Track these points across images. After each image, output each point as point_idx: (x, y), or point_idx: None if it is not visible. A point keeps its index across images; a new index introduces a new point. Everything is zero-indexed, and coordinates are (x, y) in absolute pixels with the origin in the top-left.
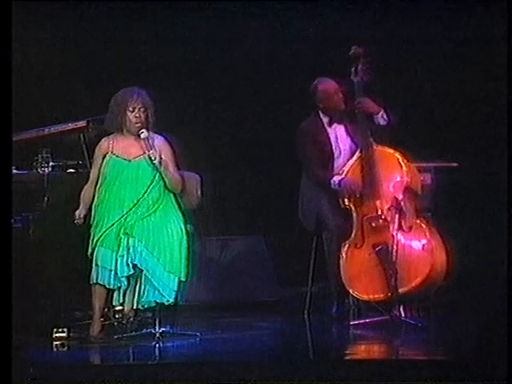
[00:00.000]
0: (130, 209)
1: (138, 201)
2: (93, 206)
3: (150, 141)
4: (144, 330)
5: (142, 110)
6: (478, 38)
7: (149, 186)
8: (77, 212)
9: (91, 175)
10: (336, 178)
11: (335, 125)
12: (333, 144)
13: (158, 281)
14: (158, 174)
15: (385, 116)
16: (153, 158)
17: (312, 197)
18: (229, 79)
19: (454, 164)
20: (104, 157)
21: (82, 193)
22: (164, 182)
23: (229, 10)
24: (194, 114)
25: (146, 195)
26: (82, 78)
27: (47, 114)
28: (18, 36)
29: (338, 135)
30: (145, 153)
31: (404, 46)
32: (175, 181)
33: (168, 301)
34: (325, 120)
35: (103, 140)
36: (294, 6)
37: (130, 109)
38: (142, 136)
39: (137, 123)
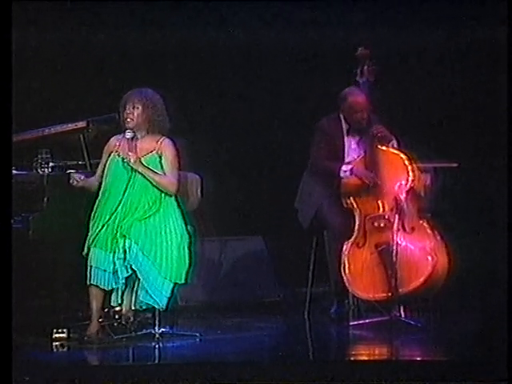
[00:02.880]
0: (116, 208)
1: (121, 199)
2: (94, 205)
3: (134, 142)
4: (144, 331)
5: (135, 107)
6: (478, 40)
7: (127, 185)
8: (76, 174)
9: (97, 171)
10: (347, 167)
11: (352, 134)
12: (346, 151)
13: (151, 285)
14: (135, 175)
15: (395, 145)
16: (126, 159)
17: (313, 192)
18: (230, 80)
19: (454, 164)
20: (109, 155)
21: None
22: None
23: (235, 11)
24: (195, 115)
25: (126, 196)
26: (82, 78)
27: (47, 115)
28: (18, 36)
29: (352, 144)
30: (146, 154)
31: (406, 48)
32: (164, 184)
33: (158, 305)
34: (345, 128)
35: (113, 138)
36: (300, 7)
37: (126, 106)
38: (127, 136)
39: (127, 119)
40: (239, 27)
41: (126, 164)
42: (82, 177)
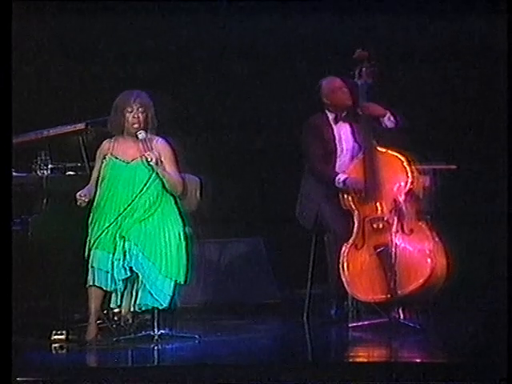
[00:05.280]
0: (124, 210)
1: (131, 202)
2: (92, 208)
3: (148, 142)
4: (143, 333)
5: (140, 110)
6: (478, 42)
7: (142, 189)
8: (79, 192)
9: (92, 177)
10: (341, 176)
11: (340, 123)
12: (337, 141)
13: (152, 285)
14: (154, 176)
15: (392, 118)
16: (149, 159)
17: (312, 194)
18: (229, 82)
19: (453, 166)
20: (104, 158)
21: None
22: (162, 183)
23: (232, 9)
24: (194, 117)
25: (140, 197)
26: (81, 80)
27: (46, 117)
28: (18, 36)
29: (343, 133)
30: (143, 155)
31: (405, 50)
32: (174, 182)
33: (162, 305)
34: (331, 117)
35: (104, 142)
36: (298, 6)
37: (129, 109)
38: (140, 137)
39: (134, 124)
40: (236, 27)
41: (127, 163)
42: (85, 191)
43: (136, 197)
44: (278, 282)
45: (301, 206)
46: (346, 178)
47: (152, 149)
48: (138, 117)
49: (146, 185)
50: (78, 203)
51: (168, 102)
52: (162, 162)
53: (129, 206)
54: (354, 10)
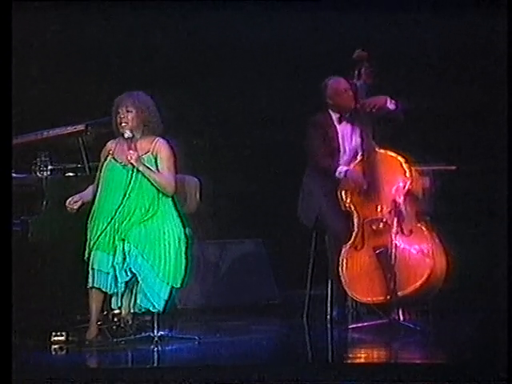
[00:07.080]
0: (116, 212)
1: (120, 204)
2: (92, 209)
3: (133, 142)
4: (142, 334)
5: (129, 110)
6: (478, 42)
7: (128, 189)
8: (70, 198)
9: (96, 177)
10: (342, 168)
11: (344, 123)
12: (340, 141)
13: (149, 288)
14: (142, 178)
15: (392, 101)
16: (129, 158)
17: (314, 192)
18: (229, 82)
19: (453, 167)
20: (105, 159)
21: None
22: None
23: (232, 9)
24: (194, 117)
25: (128, 199)
26: (81, 81)
27: (46, 118)
28: (18, 36)
29: (345, 133)
30: (142, 155)
31: (403, 50)
32: (163, 183)
33: (155, 308)
34: (334, 117)
35: (109, 142)
36: (299, 6)
37: (119, 110)
38: (126, 136)
39: (121, 123)
40: (236, 27)
41: (123, 165)
42: (76, 197)
43: (123, 198)
44: (277, 282)
45: (302, 204)
46: (347, 170)
47: (136, 149)
48: (126, 116)
49: (133, 186)
50: (68, 209)
51: (168, 102)
52: (156, 161)
53: (119, 207)
54: (354, 9)
